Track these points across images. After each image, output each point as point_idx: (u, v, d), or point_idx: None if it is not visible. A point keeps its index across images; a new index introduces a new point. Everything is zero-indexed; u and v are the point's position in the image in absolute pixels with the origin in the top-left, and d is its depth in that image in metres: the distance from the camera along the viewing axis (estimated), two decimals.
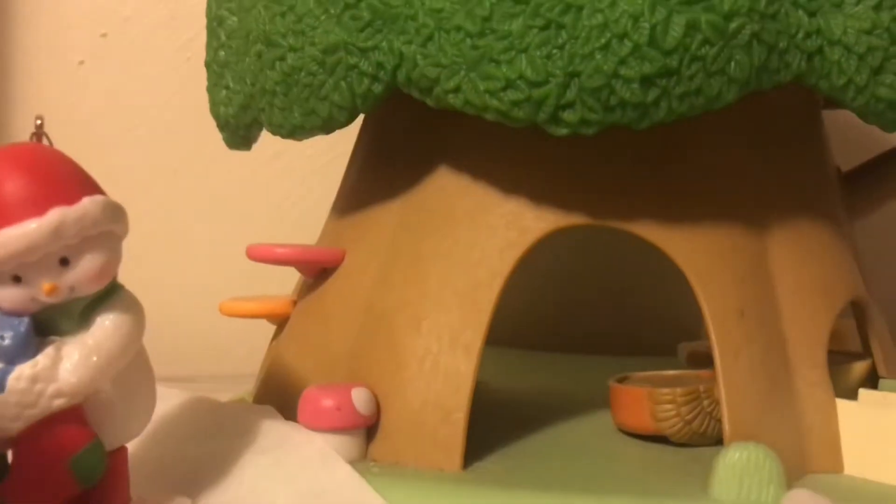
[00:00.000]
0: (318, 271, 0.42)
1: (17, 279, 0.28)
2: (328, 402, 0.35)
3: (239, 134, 0.43)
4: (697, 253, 0.36)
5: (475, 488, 0.33)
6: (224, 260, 0.62)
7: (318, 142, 0.44)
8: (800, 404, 0.36)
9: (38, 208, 0.27)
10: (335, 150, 0.68)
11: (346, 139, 0.46)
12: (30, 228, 0.27)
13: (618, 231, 0.37)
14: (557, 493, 0.32)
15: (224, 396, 0.42)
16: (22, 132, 0.54)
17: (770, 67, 0.32)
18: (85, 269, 0.28)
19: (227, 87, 0.43)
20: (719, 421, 0.36)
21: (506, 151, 0.38)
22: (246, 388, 0.46)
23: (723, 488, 0.32)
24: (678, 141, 0.37)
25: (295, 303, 0.44)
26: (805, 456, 0.35)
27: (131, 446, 0.32)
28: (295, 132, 0.38)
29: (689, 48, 0.31)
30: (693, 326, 0.55)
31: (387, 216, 0.40)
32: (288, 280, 0.47)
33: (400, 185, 0.40)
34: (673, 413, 0.38)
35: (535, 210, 0.37)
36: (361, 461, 0.35)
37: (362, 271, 0.40)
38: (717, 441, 0.37)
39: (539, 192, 0.37)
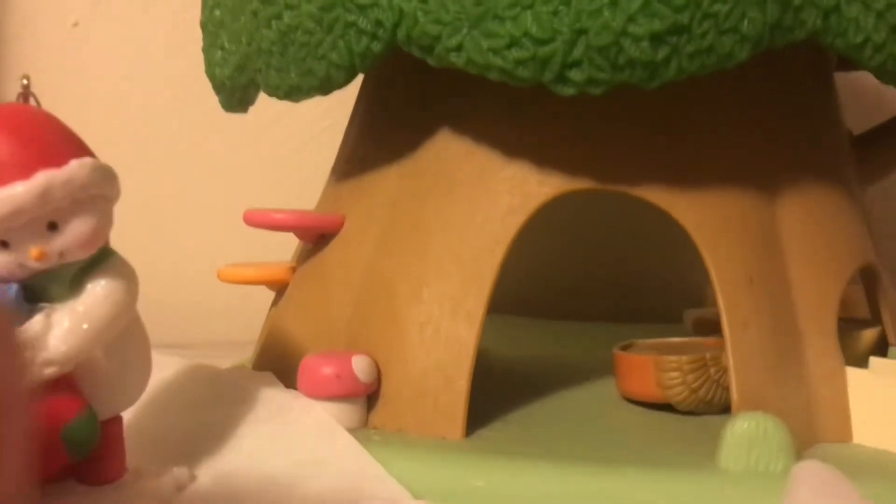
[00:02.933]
0: (316, 237, 0.41)
1: (4, 244, 0.27)
2: (328, 370, 0.35)
3: (235, 96, 0.42)
4: (706, 219, 0.35)
5: (477, 456, 0.32)
6: (222, 225, 0.61)
7: (317, 105, 0.43)
8: (809, 373, 0.35)
9: (24, 171, 0.26)
10: (334, 113, 0.66)
11: (344, 102, 0.45)
12: (16, 191, 0.26)
13: (624, 196, 0.36)
14: (561, 461, 0.32)
15: (223, 363, 0.42)
16: (14, 95, 0.53)
17: (784, 25, 0.31)
18: (74, 234, 0.27)
19: (222, 48, 0.42)
20: (725, 389, 0.36)
21: (509, 113, 0.37)
22: (245, 354, 0.46)
23: (731, 458, 0.31)
24: (688, 103, 0.36)
25: (294, 269, 0.43)
26: (814, 425, 0.35)
27: (128, 416, 0.31)
28: (292, 93, 0.37)
29: (700, 4, 0.30)
30: (698, 293, 0.54)
31: (386, 181, 0.39)
32: (287, 246, 0.46)
33: (400, 150, 0.39)
34: (679, 381, 0.38)
35: (538, 174, 0.36)
36: (362, 429, 0.35)
37: (362, 237, 0.39)
38: (723, 409, 0.36)
39: (543, 156, 0.36)
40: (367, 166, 0.41)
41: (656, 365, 0.38)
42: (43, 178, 0.26)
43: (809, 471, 0.28)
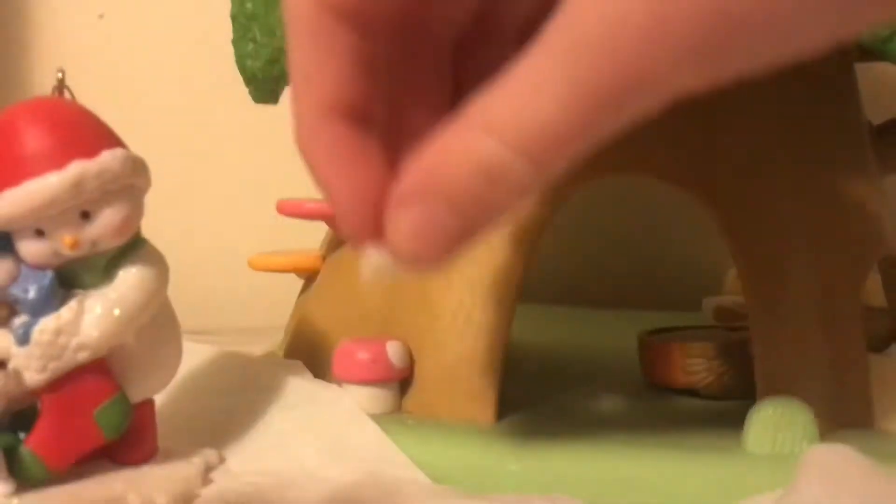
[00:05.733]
0: None
1: (39, 233, 0.27)
2: (364, 355, 0.35)
3: (266, 88, 0.43)
4: (730, 206, 0.35)
5: (509, 440, 0.33)
6: (251, 213, 0.62)
7: None
8: (833, 359, 0.35)
9: (59, 162, 0.27)
10: None
11: None
12: (50, 181, 0.26)
13: (645, 185, 0.36)
14: (589, 445, 0.32)
15: (251, 349, 0.42)
16: (42, 87, 0.54)
17: None
18: (106, 223, 0.28)
19: (253, 41, 0.42)
20: (749, 375, 0.36)
21: None
22: (272, 340, 0.46)
23: (756, 442, 0.32)
24: (711, 93, 0.36)
25: (323, 258, 0.43)
26: (837, 410, 0.35)
27: (161, 400, 0.32)
28: None
29: None
30: (714, 281, 0.54)
31: None
32: (315, 234, 0.46)
33: None
34: (704, 367, 0.38)
35: None
36: (395, 413, 0.35)
37: None
38: (746, 395, 0.36)
39: None
40: None
41: (682, 351, 0.38)
42: (76, 168, 0.27)
43: (820, 454, 0.27)
